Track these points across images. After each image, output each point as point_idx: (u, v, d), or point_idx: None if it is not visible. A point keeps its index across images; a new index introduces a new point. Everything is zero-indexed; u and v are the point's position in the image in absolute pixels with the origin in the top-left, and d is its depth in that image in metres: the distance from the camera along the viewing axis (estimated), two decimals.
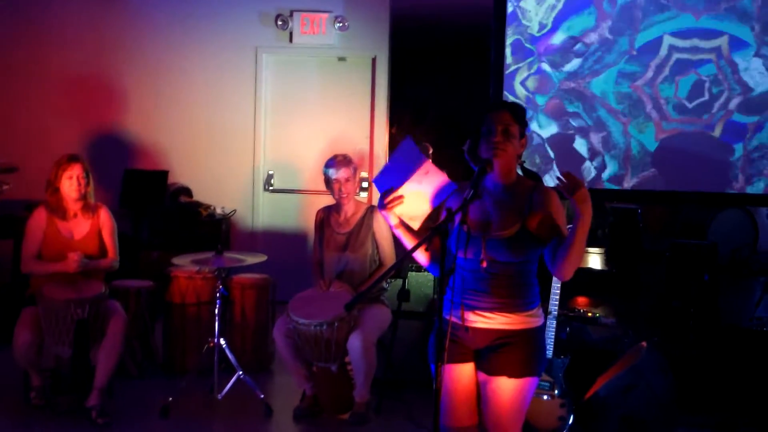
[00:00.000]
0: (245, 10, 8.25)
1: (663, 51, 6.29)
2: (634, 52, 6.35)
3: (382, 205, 3.23)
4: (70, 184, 5.16)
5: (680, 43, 6.27)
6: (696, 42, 6.27)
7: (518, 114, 3.28)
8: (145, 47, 8.31)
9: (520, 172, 3.43)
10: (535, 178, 3.36)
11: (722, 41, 6.23)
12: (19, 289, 6.21)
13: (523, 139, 3.30)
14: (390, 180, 3.24)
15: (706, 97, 6.28)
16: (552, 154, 6.46)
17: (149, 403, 5.32)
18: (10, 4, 8.28)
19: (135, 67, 8.32)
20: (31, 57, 8.31)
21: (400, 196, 3.20)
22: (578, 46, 6.43)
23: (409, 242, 3.32)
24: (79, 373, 5.05)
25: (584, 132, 6.44)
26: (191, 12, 8.27)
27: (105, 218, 5.32)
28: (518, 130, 3.26)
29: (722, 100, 6.27)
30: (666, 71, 6.30)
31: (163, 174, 8.04)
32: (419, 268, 5.72)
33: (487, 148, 3.23)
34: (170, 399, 5.17)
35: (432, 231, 2.98)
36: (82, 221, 5.26)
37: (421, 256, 3.38)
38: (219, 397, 5.20)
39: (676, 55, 6.28)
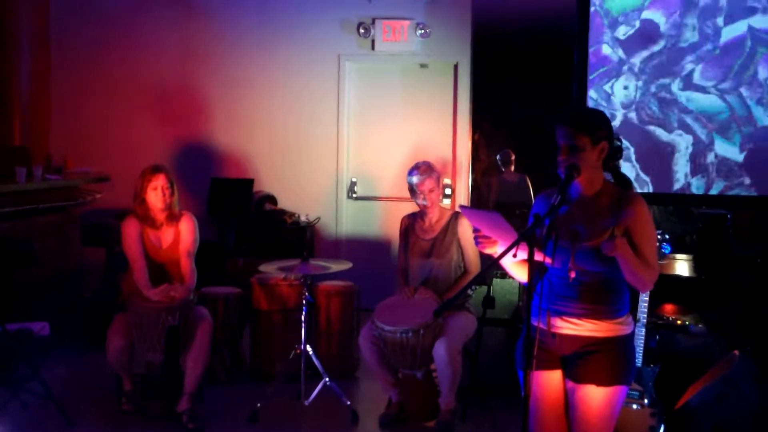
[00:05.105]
0: (328, 19, 8.33)
1: (748, 44, 6.14)
2: (718, 52, 6.20)
3: (479, 243, 3.25)
4: (155, 194, 5.26)
5: None
6: None
7: (584, 125, 3.20)
8: (229, 57, 8.45)
9: (610, 177, 3.36)
10: (626, 184, 3.30)
11: None
12: (111, 295, 6.38)
13: (602, 144, 3.21)
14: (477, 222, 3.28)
15: None
16: (636, 161, 6.36)
17: (238, 409, 5.42)
18: (101, 20, 8.51)
19: (220, 77, 8.47)
20: (122, 70, 8.52)
21: (489, 238, 3.22)
22: (663, 48, 6.32)
23: (517, 273, 3.37)
24: (170, 379, 5.16)
25: (670, 137, 6.32)
26: (275, 22, 8.39)
27: (184, 229, 5.37)
28: (589, 141, 3.18)
29: None
30: (753, 70, 6.14)
31: (249, 182, 8.16)
32: (504, 275, 5.68)
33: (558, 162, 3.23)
34: (258, 405, 5.24)
35: (519, 236, 2.97)
36: (168, 230, 5.37)
37: (513, 269, 3.38)
38: (306, 403, 5.25)
39: (762, 50, 6.12)
